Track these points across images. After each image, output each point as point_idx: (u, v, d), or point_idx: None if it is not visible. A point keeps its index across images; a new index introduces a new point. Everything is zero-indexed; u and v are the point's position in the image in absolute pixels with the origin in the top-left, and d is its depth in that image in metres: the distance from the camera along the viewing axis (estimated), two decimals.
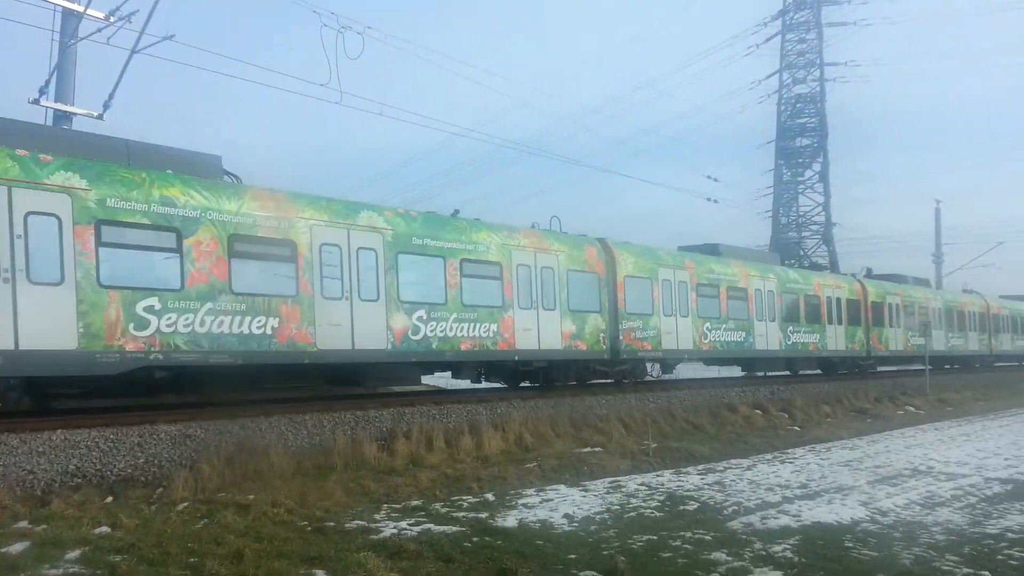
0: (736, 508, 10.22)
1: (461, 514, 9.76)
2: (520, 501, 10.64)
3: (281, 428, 12.49)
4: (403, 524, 9.08)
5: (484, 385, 18.57)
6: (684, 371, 24.35)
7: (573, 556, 7.72)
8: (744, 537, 8.61)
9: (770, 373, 26.41)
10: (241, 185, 13.23)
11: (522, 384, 18.73)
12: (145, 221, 11.60)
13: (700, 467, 13.85)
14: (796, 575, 7.10)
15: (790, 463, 14.21)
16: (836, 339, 26.75)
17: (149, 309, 11.46)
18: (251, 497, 9.81)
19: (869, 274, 32.00)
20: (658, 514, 9.92)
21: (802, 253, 49.39)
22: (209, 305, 12.07)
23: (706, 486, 11.84)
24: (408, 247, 14.90)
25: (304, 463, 11.75)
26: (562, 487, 11.83)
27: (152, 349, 11.46)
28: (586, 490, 11.55)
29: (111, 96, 17.40)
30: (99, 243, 11.10)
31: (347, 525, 8.97)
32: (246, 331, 12.46)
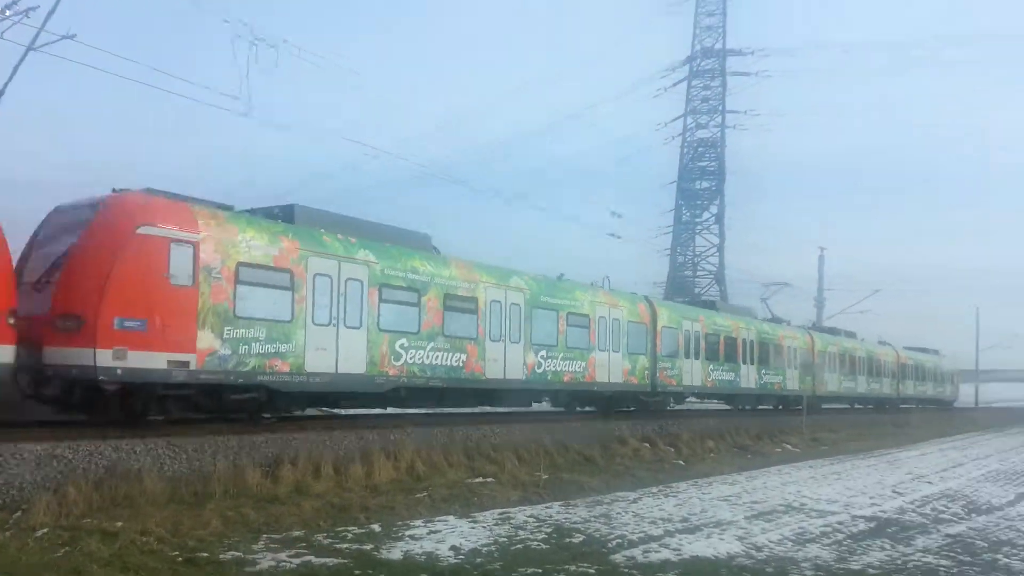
0: (620, 541, 10.40)
1: (344, 546, 9.53)
2: (407, 532, 10.49)
3: (158, 451, 11.89)
4: (282, 556, 8.78)
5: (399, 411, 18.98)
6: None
7: None
8: (626, 571, 8.77)
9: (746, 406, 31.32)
10: (449, 256, 18.17)
11: (585, 409, 23.44)
12: (403, 284, 16.42)
13: (589, 499, 14.04)
14: None
15: (673, 497, 14.60)
16: (793, 380, 32.30)
17: (402, 346, 16.30)
18: (119, 524, 9.28)
19: (815, 326, 38.30)
20: (544, 546, 9.98)
21: (697, 291, 51.29)
22: (432, 344, 16.91)
23: (593, 518, 12.01)
24: (538, 303, 19.93)
25: (180, 490, 11.22)
26: (451, 518, 11.74)
27: (402, 374, 16.35)
28: (475, 521, 11.50)
29: (1, 92, 16.58)
30: (380, 299, 15.89)
31: (222, 556, 8.60)
32: (450, 363, 17.39)
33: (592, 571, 8.67)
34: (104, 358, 11.52)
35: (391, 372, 16.04)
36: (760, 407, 32.50)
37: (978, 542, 11.19)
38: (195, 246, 12.55)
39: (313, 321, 14.55)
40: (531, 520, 11.74)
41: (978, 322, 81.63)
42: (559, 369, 20.37)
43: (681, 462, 20.12)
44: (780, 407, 33.04)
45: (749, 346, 29.41)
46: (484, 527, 11.08)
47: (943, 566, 9.62)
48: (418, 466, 14.80)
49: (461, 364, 17.58)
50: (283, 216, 15.14)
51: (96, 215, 12.13)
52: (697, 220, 54.00)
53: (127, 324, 11.76)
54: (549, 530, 11.01)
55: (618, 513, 12.59)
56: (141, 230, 11.98)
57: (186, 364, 12.50)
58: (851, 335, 41.19)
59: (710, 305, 30.51)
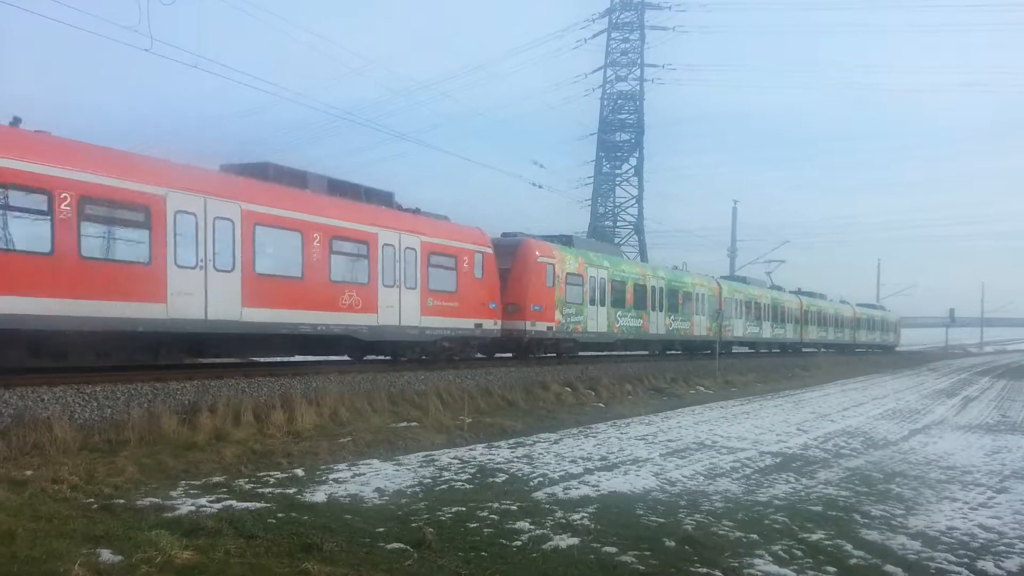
0: (542, 479, 10.68)
1: (267, 490, 9.46)
2: (331, 476, 10.49)
3: (67, 399, 11.46)
4: (202, 501, 8.66)
5: (319, 358, 18.27)
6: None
7: (382, 529, 7.74)
8: (547, 507, 9.03)
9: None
10: (633, 260, 34.61)
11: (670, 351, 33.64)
12: (619, 279, 27.50)
13: (511, 441, 14.32)
14: (591, 541, 7.55)
15: (593, 437, 15.05)
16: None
17: (619, 315, 27.09)
18: (28, 473, 8.94)
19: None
20: (468, 486, 10.16)
21: (617, 242, 52.07)
22: (630, 315, 27.86)
23: (515, 459, 12.27)
24: (669, 287, 31.28)
25: (93, 438, 10.88)
26: (376, 461, 11.79)
27: (620, 332, 27.22)
28: (400, 464, 11.59)
29: None
30: (612, 289, 26.70)
31: (139, 502, 8.42)
32: (634, 325, 28.19)
33: (515, 508, 8.88)
34: (528, 325, 22.22)
35: (615, 330, 27.00)
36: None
37: (874, 474, 11.99)
38: (554, 266, 23.28)
39: (590, 302, 25.36)
40: (455, 462, 11.91)
41: (879, 272, 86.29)
42: (678, 327, 31.92)
43: (601, 405, 20.70)
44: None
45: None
46: (409, 469, 11.18)
47: (843, 496, 10.28)
48: (341, 412, 14.74)
49: (639, 326, 28.74)
50: (564, 242, 25.44)
51: (518, 250, 22.60)
52: (617, 172, 54.56)
53: (534, 308, 22.41)
54: (473, 471, 11.20)
55: (540, 454, 12.90)
56: (539, 259, 22.83)
57: (552, 327, 23.24)
58: (818, 296, 50.45)
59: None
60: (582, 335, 25.00)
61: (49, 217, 11.44)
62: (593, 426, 16.95)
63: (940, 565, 7.29)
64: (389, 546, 7.11)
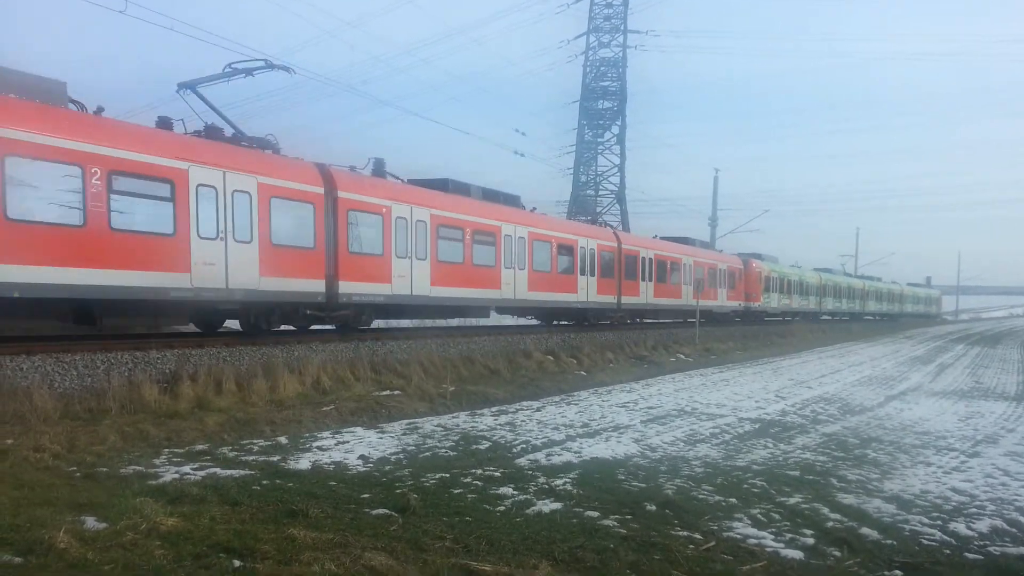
0: (524, 446, 10.78)
1: (251, 458, 9.48)
2: (315, 444, 10.52)
3: (46, 368, 11.37)
4: (186, 469, 8.67)
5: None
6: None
7: (366, 495, 7.79)
8: (530, 473, 9.13)
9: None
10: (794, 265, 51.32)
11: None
12: (793, 279, 49.34)
13: (494, 409, 14.42)
14: (573, 506, 7.66)
15: (575, 405, 15.18)
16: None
17: (780, 299, 45.96)
18: (9, 442, 8.89)
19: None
20: (452, 453, 10.24)
21: (598, 210, 52.06)
22: (790, 299, 48.04)
23: (499, 426, 12.37)
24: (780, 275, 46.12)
25: (74, 406, 10.81)
26: (359, 429, 11.84)
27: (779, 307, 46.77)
28: (383, 432, 11.64)
29: None
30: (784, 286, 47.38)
31: (122, 470, 8.42)
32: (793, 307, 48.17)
33: (498, 474, 8.97)
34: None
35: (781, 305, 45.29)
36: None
37: (851, 439, 12.22)
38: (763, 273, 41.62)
39: (771, 290, 42.85)
40: (438, 429, 11.98)
41: (858, 241, 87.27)
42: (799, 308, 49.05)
43: (583, 372, 20.85)
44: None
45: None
46: (392, 437, 11.24)
47: (819, 461, 10.47)
48: (324, 380, 14.74)
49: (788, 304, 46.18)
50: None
51: (745, 264, 40.08)
52: (599, 140, 54.28)
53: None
54: (456, 438, 11.28)
55: (522, 421, 13.00)
56: (755, 267, 41.12)
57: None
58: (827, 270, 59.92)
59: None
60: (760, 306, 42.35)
61: (171, 203, 13.32)
62: (575, 394, 17.10)
63: (914, 527, 7.47)
64: (374, 512, 7.17)
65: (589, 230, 27.89)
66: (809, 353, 32.69)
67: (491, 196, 22.34)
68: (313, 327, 18.15)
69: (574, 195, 52.51)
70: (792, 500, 8.28)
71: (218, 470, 8.66)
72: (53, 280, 11.54)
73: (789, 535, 7.03)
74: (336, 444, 10.57)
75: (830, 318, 56.55)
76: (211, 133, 15.40)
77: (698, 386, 19.13)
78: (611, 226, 37.05)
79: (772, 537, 6.94)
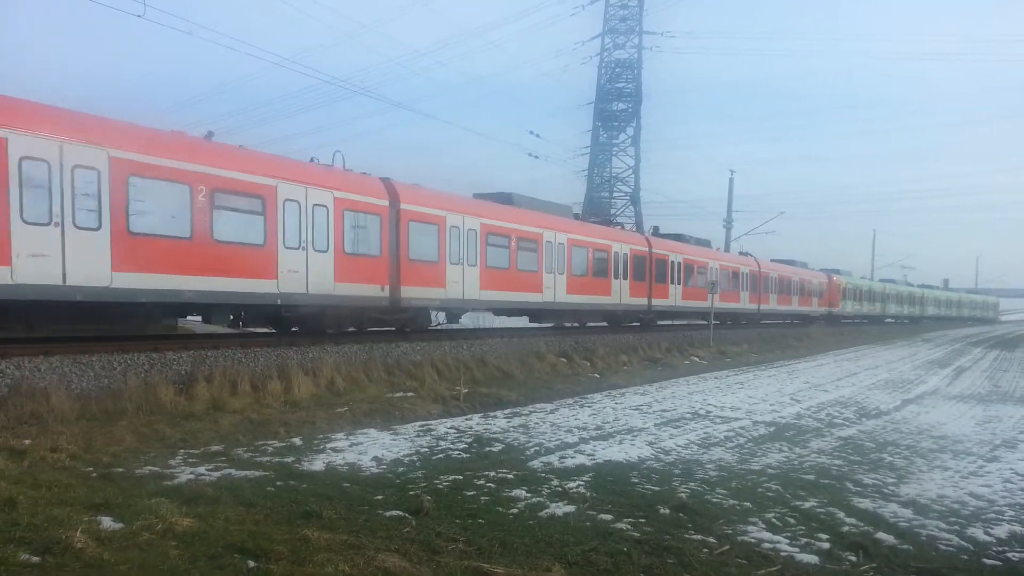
0: (538, 449, 10.77)
1: (265, 459, 9.53)
2: (329, 445, 10.56)
3: (64, 369, 11.48)
4: (201, 470, 8.72)
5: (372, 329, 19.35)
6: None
7: (380, 497, 7.81)
8: (543, 475, 9.11)
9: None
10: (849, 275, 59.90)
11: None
12: (864, 289, 61.23)
13: (507, 411, 14.41)
14: (586, 509, 7.64)
15: (589, 407, 15.15)
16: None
17: (858, 305, 60.27)
18: (27, 442, 8.99)
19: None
20: (465, 455, 10.24)
21: (612, 212, 51.97)
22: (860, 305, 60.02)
23: (512, 429, 12.36)
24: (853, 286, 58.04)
25: (90, 407, 10.91)
26: (373, 431, 11.86)
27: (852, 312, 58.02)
28: (396, 434, 11.66)
29: None
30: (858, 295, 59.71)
31: (138, 471, 8.48)
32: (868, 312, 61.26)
33: (511, 476, 8.97)
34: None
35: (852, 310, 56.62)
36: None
37: (867, 443, 12.11)
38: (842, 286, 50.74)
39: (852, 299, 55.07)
40: (452, 431, 11.99)
41: (874, 242, 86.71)
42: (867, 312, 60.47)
43: (596, 375, 20.81)
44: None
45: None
46: (406, 439, 11.26)
47: (835, 465, 10.38)
48: (338, 382, 14.81)
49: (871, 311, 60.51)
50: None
51: (829, 278, 51.16)
52: (614, 142, 54.15)
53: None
54: (469, 440, 11.29)
55: (536, 423, 12.99)
56: (835, 280, 51.82)
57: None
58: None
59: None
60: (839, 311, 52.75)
61: (262, 217, 14.91)
62: (588, 396, 17.06)
63: (931, 532, 7.39)
64: (387, 514, 7.18)
65: (622, 235, 29.43)
66: (825, 356, 32.45)
67: (540, 206, 23.95)
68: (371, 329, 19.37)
69: (588, 196, 52.44)
70: (807, 504, 8.22)
71: (233, 471, 8.71)
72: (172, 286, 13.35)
73: (804, 540, 6.97)
74: (350, 445, 10.60)
75: (893, 320, 67.98)
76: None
77: (712, 389, 19.04)
78: (637, 230, 40.10)
79: (787, 541, 6.89)
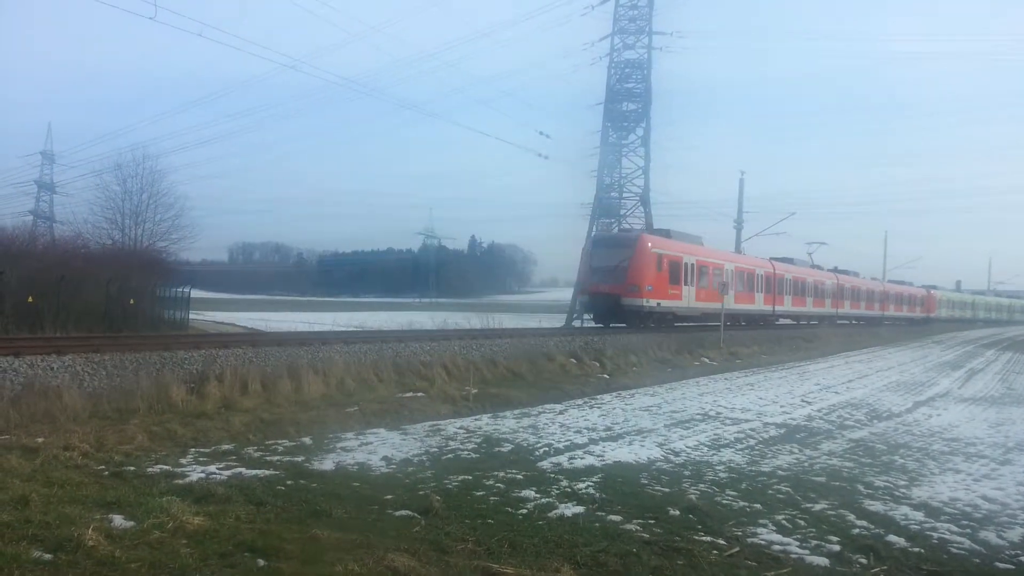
0: (547, 449, 10.77)
1: (276, 458, 9.57)
2: (339, 445, 10.59)
3: (76, 368, 11.57)
4: (212, 468, 8.76)
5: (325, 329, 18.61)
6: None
7: (390, 496, 7.83)
8: (552, 476, 9.11)
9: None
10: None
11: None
12: (961, 303, 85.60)
13: (517, 411, 14.42)
14: (596, 510, 7.63)
15: (598, 408, 15.13)
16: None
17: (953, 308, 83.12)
18: (40, 440, 9.05)
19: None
20: (474, 455, 10.25)
21: (622, 213, 51.83)
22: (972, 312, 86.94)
23: (521, 429, 12.36)
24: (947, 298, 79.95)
25: (102, 405, 10.99)
26: (382, 430, 11.89)
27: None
28: (406, 433, 11.68)
29: None
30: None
31: (149, 470, 8.53)
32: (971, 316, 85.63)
33: (520, 477, 8.97)
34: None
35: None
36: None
37: (878, 445, 12.05)
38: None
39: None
40: (461, 431, 12.00)
41: (886, 244, 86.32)
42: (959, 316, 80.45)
43: (606, 376, 20.77)
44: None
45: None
46: (415, 438, 11.28)
47: (846, 467, 10.33)
48: (348, 382, 14.85)
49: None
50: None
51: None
52: (624, 142, 53.94)
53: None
54: (479, 440, 11.29)
55: (545, 424, 12.98)
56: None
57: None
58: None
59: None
60: (935, 315, 67.61)
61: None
62: (598, 397, 17.04)
63: (943, 535, 7.34)
64: (397, 513, 7.20)
65: (757, 261, 39.97)
66: (836, 358, 32.30)
67: (690, 239, 33.14)
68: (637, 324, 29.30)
69: (598, 197, 52.25)
70: (818, 507, 8.18)
71: (243, 470, 8.75)
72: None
73: (814, 542, 6.94)
74: (360, 445, 10.63)
75: (983, 324, 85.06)
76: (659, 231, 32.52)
77: (723, 390, 18.97)
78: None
79: (797, 544, 6.86)
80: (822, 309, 46.11)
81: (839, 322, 49.54)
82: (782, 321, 42.22)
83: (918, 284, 71.17)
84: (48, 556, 5.43)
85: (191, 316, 32.60)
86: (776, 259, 41.58)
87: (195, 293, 37.42)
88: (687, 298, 30.82)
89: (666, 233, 31.81)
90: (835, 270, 51.35)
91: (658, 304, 28.53)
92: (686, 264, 30.75)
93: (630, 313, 27.96)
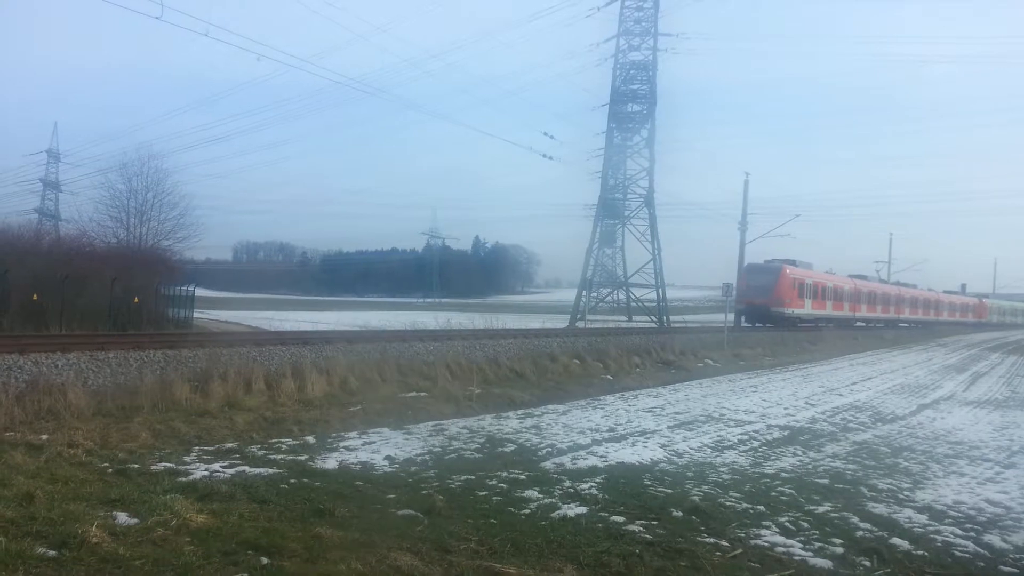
0: (550, 450, 10.76)
1: (279, 456, 9.58)
2: (342, 444, 10.60)
3: (80, 366, 11.61)
4: (216, 467, 8.77)
5: (329, 328, 18.60)
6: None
7: (392, 496, 7.83)
8: (555, 476, 9.10)
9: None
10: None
11: None
12: (1013, 311, 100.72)
13: (520, 412, 14.42)
14: (599, 510, 7.63)
15: (601, 409, 15.12)
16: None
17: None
18: (44, 437, 9.08)
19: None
20: (477, 455, 10.25)
21: (627, 214, 51.80)
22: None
23: (524, 429, 12.36)
24: (997, 305, 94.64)
25: (106, 403, 11.02)
26: (386, 430, 11.90)
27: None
28: (409, 433, 11.69)
29: None
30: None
31: (153, 467, 8.54)
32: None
33: (523, 477, 8.97)
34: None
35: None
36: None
37: (882, 448, 12.02)
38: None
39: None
40: (464, 431, 12.00)
41: (891, 247, 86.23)
42: (1009, 322, 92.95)
43: (609, 377, 20.76)
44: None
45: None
46: (418, 438, 11.28)
47: (850, 470, 10.31)
48: (351, 381, 14.87)
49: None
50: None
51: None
52: (628, 144, 53.91)
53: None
54: (482, 440, 11.30)
55: (548, 424, 12.98)
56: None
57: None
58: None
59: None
60: (986, 321, 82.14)
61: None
62: (601, 398, 17.03)
63: (946, 538, 7.32)
64: (400, 512, 7.20)
65: (842, 279, 51.24)
66: (840, 360, 32.22)
67: (804, 265, 45.52)
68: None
69: (602, 198, 52.25)
70: (821, 509, 8.16)
71: (247, 468, 8.76)
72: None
73: (818, 544, 6.92)
74: (363, 444, 10.64)
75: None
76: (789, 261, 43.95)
77: (726, 392, 18.95)
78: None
79: (800, 546, 6.84)
80: (888, 315, 57.79)
81: (900, 324, 60.80)
82: (858, 324, 53.38)
83: (937, 289, 78.05)
84: (52, 553, 5.45)
85: (195, 315, 32.70)
86: (854, 276, 54.94)
87: (199, 292, 37.54)
88: (807, 307, 44.50)
89: (792, 262, 44.09)
90: (897, 283, 65.42)
91: (792, 312, 42.15)
92: (806, 284, 44.29)
93: (775, 317, 41.36)
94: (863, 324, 53.48)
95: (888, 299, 57.99)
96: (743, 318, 43.28)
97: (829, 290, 47.06)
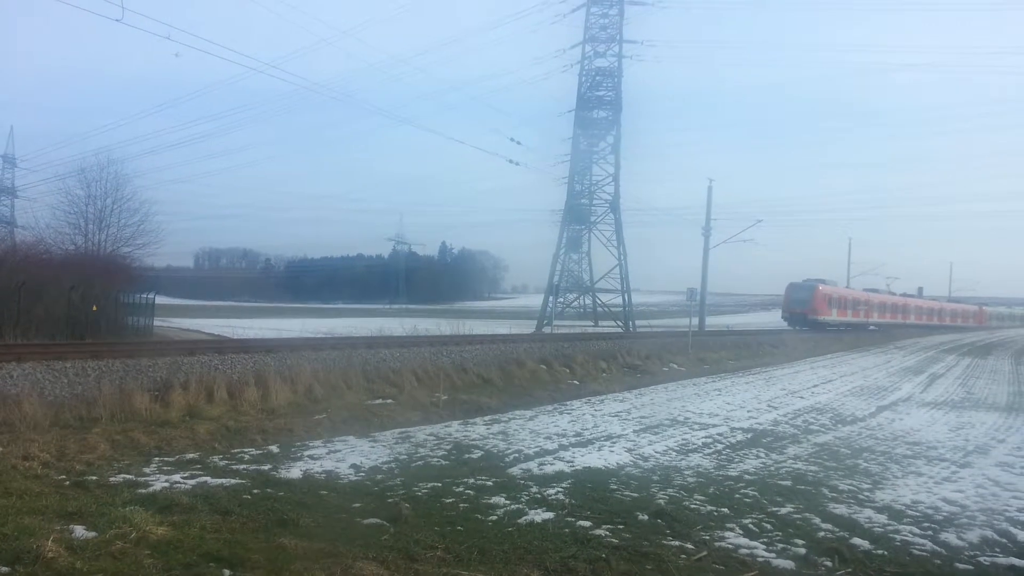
0: (517, 455, 10.76)
1: (242, 467, 9.44)
2: (306, 453, 10.48)
3: (36, 376, 11.33)
4: (176, 478, 8.62)
5: (294, 336, 18.37)
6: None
7: (358, 505, 7.77)
8: (522, 482, 9.11)
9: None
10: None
11: None
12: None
13: (487, 418, 14.40)
14: (565, 515, 7.65)
15: (568, 414, 15.17)
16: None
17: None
18: None
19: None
20: (444, 462, 10.22)
21: (593, 219, 52.10)
22: None
23: (491, 435, 12.35)
24: (996, 312, 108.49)
25: (64, 414, 10.77)
26: (351, 438, 11.80)
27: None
28: (375, 441, 11.61)
29: None
30: None
31: (112, 479, 8.37)
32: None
33: (490, 483, 8.95)
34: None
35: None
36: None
37: (842, 449, 12.24)
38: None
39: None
40: (431, 438, 11.95)
41: (850, 251, 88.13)
42: (1008, 327, 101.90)
43: (575, 382, 20.84)
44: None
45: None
46: (384, 446, 11.21)
47: (811, 471, 10.48)
48: (316, 389, 14.72)
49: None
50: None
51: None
52: (594, 149, 54.26)
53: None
54: (448, 447, 11.26)
55: (515, 430, 12.98)
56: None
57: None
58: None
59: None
60: (985, 325, 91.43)
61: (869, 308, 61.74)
62: (568, 403, 17.08)
63: (905, 537, 7.48)
64: (365, 521, 7.14)
65: (859, 293, 61.47)
66: (801, 363, 32.73)
67: (831, 282, 55.59)
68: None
69: (569, 204, 52.52)
70: (784, 510, 8.28)
71: (209, 479, 8.62)
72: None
73: (781, 545, 7.02)
74: (328, 453, 10.53)
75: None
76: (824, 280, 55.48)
77: (691, 395, 19.13)
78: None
79: (764, 547, 6.93)
80: (896, 320, 66.43)
81: (908, 327, 69.30)
82: (871, 328, 61.76)
83: (926, 295, 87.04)
84: (6, 569, 5.30)
85: (156, 323, 32.11)
86: (867, 289, 66.29)
87: (160, 299, 36.85)
88: (834, 315, 53.68)
89: (823, 281, 54.21)
90: (903, 294, 74.97)
91: (824, 318, 51.78)
92: (833, 297, 53.90)
93: (811, 322, 50.81)
94: (875, 328, 62.74)
95: (896, 308, 68.69)
96: (786, 322, 55.22)
97: (850, 301, 58.05)
